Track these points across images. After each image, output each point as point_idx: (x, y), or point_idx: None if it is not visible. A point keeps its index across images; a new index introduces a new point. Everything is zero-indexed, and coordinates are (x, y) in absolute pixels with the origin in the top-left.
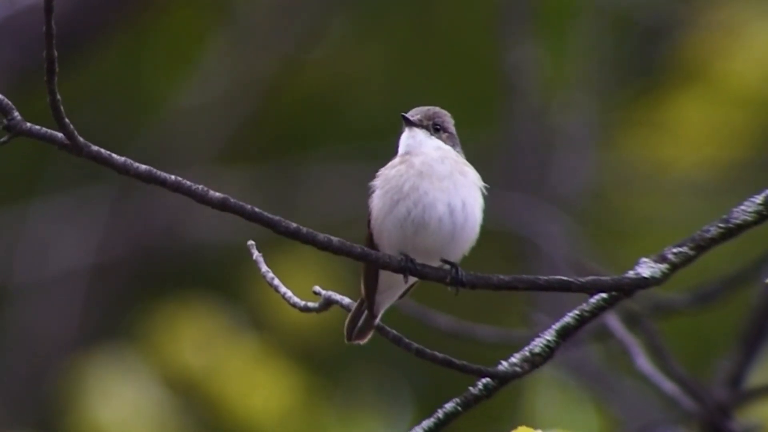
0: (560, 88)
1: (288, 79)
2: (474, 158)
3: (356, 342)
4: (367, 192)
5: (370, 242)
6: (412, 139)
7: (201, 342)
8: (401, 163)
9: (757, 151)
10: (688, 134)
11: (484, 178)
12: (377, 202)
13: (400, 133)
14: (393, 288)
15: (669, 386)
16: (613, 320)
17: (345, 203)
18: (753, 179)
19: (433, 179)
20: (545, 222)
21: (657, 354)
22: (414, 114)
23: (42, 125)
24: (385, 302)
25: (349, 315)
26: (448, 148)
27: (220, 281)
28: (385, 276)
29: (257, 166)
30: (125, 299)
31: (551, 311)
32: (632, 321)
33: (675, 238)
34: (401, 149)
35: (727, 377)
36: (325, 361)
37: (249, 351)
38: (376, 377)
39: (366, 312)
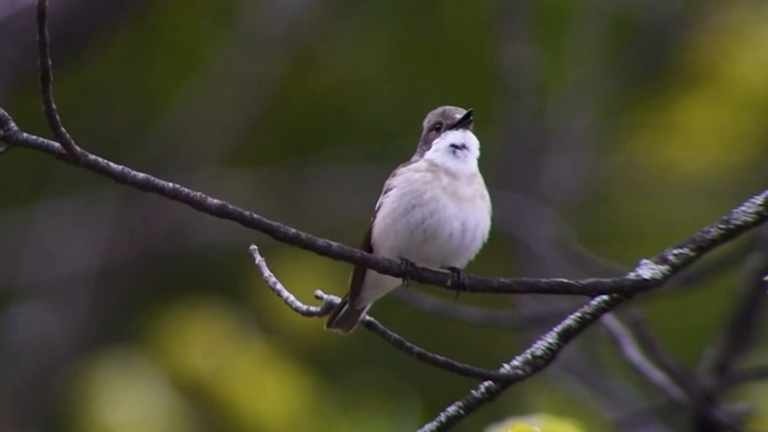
0: (557, 89)
1: (296, 81)
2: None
3: (336, 330)
4: (382, 189)
5: (367, 239)
6: (466, 139)
7: (209, 345)
8: (428, 170)
9: (764, 153)
10: (695, 136)
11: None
12: (391, 201)
13: (437, 128)
14: (380, 287)
15: (657, 376)
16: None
17: (352, 205)
18: (760, 181)
19: (455, 199)
20: (538, 223)
21: (645, 343)
22: (462, 112)
23: (43, 125)
24: (371, 298)
25: (338, 304)
26: (476, 165)
27: (227, 283)
28: (374, 275)
29: (265, 167)
30: (132, 302)
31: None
32: (620, 310)
33: (680, 240)
34: (448, 141)
35: (714, 365)
36: (332, 363)
37: (257, 354)
38: (382, 378)
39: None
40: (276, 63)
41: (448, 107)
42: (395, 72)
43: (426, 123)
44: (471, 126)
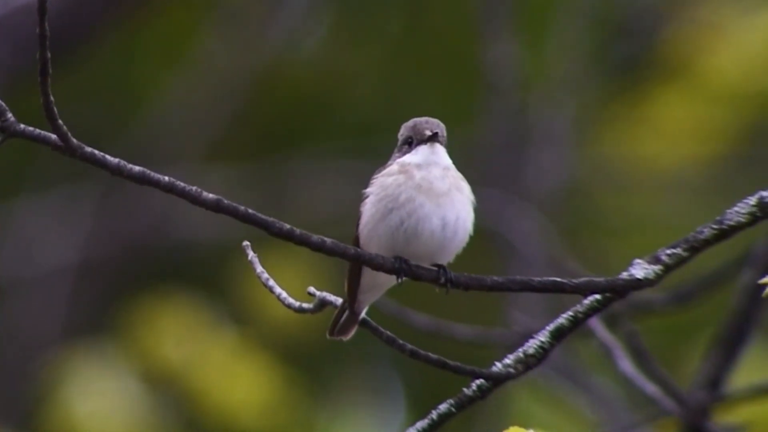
0: (539, 84)
1: (277, 76)
2: (452, 155)
3: (338, 338)
4: (361, 198)
5: (356, 245)
6: (435, 156)
7: (181, 336)
8: (400, 172)
9: (738, 147)
10: (670, 130)
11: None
12: (369, 207)
13: (409, 142)
14: (376, 288)
15: (650, 388)
16: (594, 321)
17: (334, 200)
18: (735, 175)
19: (431, 195)
20: (520, 219)
21: (638, 355)
22: (434, 128)
23: (35, 124)
24: (368, 301)
25: (335, 312)
26: (451, 163)
27: (206, 278)
28: (368, 276)
29: (244, 162)
30: (111, 296)
31: (527, 309)
32: (612, 321)
33: (657, 234)
34: (417, 159)
35: (706, 380)
36: (316, 358)
37: (229, 345)
38: (368, 374)
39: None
40: (257, 57)
41: (418, 120)
42: (377, 67)
43: (399, 136)
44: (442, 139)
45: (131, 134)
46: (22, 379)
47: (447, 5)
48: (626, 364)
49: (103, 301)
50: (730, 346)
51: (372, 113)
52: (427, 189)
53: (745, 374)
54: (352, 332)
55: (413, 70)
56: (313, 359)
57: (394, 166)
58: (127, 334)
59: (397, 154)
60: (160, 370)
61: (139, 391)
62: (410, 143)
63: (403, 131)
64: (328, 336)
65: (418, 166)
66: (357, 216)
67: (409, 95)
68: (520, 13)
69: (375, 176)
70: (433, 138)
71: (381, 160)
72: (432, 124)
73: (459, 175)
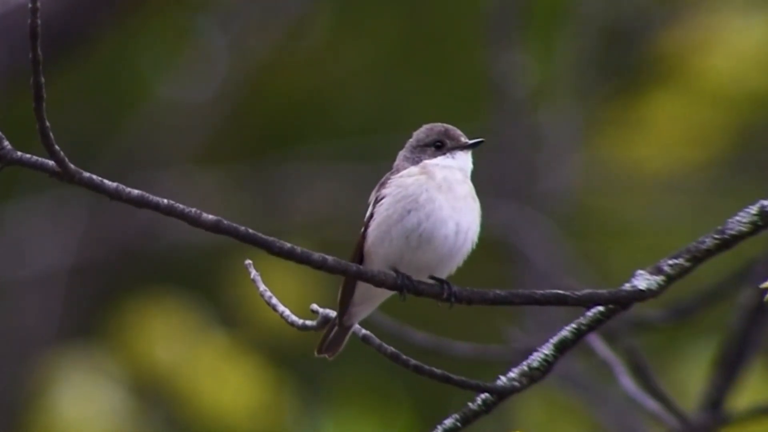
0: (547, 92)
1: (273, 77)
2: None
3: (324, 355)
4: (373, 200)
5: (359, 248)
6: (470, 163)
7: (170, 338)
8: (422, 173)
9: (731, 149)
10: (663, 132)
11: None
12: (385, 209)
13: (438, 146)
14: (369, 301)
15: (652, 404)
16: (594, 338)
17: (328, 202)
18: (728, 178)
19: (449, 196)
20: (533, 229)
21: (638, 371)
22: (464, 136)
23: (34, 125)
24: (359, 315)
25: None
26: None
27: (198, 280)
28: (362, 289)
29: (238, 164)
30: (103, 300)
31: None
32: (612, 337)
33: (653, 238)
34: (457, 163)
35: (707, 401)
36: (314, 361)
37: (219, 347)
38: (370, 377)
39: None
40: (253, 58)
41: (449, 126)
42: (373, 68)
43: (423, 136)
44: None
45: (125, 136)
46: (14, 382)
47: (445, 8)
48: (627, 381)
49: (96, 303)
50: (730, 368)
51: (367, 115)
52: (446, 189)
53: (748, 395)
54: (340, 349)
55: (408, 72)
56: (309, 362)
57: (414, 168)
58: (117, 337)
59: (416, 156)
60: (149, 373)
61: (127, 395)
62: (439, 146)
63: (429, 134)
64: (316, 354)
65: (447, 167)
66: (365, 217)
67: (404, 98)
68: (528, 20)
69: (391, 178)
70: (475, 146)
71: (375, 161)
72: (459, 132)
73: (473, 189)
